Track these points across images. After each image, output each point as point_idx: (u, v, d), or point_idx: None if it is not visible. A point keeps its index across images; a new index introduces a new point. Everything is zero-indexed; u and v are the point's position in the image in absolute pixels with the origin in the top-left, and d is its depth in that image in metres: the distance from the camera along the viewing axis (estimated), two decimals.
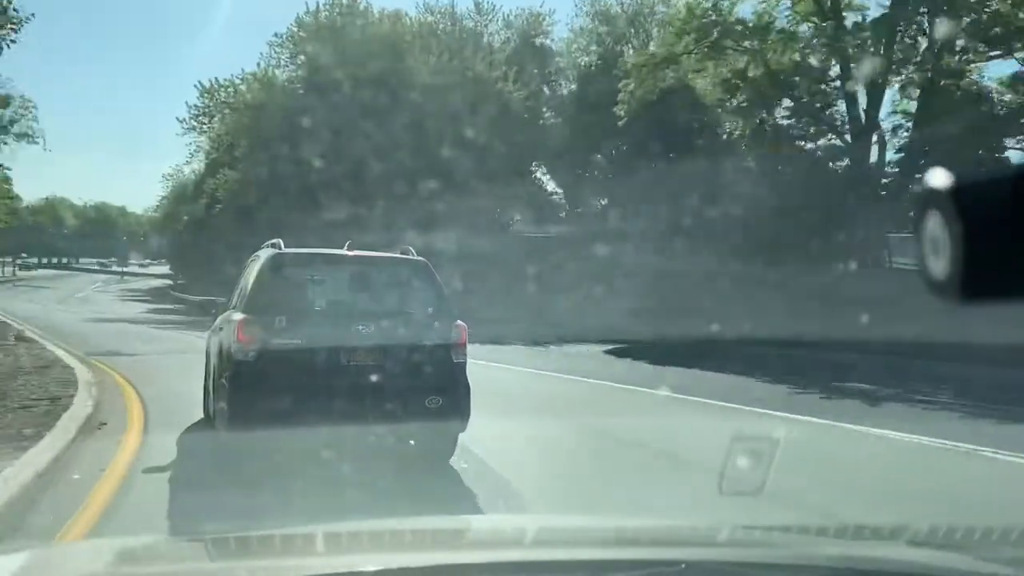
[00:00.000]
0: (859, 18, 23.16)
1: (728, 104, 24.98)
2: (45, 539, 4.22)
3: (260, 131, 33.76)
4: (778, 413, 9.05)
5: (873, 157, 23.63)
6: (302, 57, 36.85)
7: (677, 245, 22.86)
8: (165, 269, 65.63)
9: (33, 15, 17.41)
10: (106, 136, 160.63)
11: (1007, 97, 22.95)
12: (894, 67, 22.62)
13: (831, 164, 24.73)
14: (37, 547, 2.81)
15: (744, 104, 24.60)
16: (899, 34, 22.44)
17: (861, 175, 22.96)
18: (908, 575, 1.98)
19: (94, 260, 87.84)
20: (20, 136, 37.95)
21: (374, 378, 6.02)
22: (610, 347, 17.36)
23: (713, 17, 23.10)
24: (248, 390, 5.92)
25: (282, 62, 39.34)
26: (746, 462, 3.48)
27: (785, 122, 25.28)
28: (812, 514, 4.87)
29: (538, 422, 8.53)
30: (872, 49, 21.97)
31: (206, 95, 45.09)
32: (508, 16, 40.06)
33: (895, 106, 24.73)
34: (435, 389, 6.16)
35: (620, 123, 25.05)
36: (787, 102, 24.76)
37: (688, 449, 7.06)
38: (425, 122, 28.88)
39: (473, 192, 27.26)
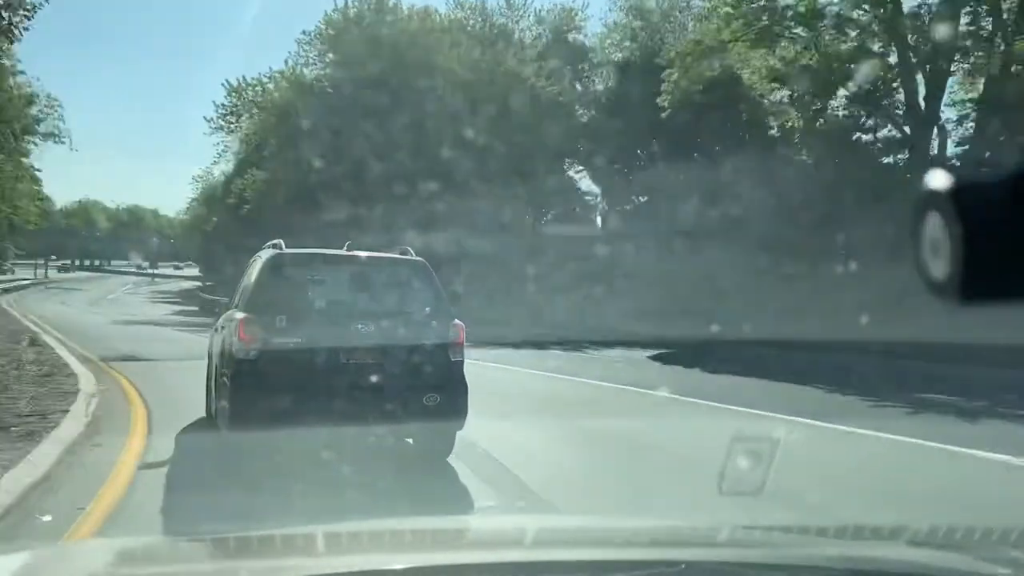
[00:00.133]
0: (918, 1, 21.72)
1: (779, 94, 23.56)
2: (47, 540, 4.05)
3: (288, 130, 33.17)
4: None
5: (934, 150, 22.16)
6: (331, 55, 36.26)
7: (723, 244, 21.56)
8: (196, 271, 65.75)
9: (47, 0, 16.33)
10: (136, 138, 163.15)
11: None
12: (958, 54, 21.14)
13: (891, 157, 23.22)
14: (38, 547, 2.81)
15: (798, 95, 23.15)
16: (967, 15, 20.84)
17: (922, 168, 21.45)
18: (908, 575, 1.97)
19: (125, 262, 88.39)
20: (47, 136, 37.83)
21: (373, 376, 6.13)
22: (654, 352, 16.29)
23: (763, 2, 21.73)
24: (249, 388, 6.02)
25: (310, 60, 38.83)
26: (746, 462, 3.49)
27: (841, 113, 23.73)
28: (812, 514, 4.82)
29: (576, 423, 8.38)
30: (934, 34, 20.49)
31: (233, 94, 44.68)
32: (540, 11, 39.10)
33: (955, 96, 23.16)
34: (433, 387, 6.26)
35: (663, 115, 23.78)
36: (842, 92, 23.21)
37: (688, 449, 7.09)
38: (455, 118, 27.97)
39: (507, 189, 26.32)
